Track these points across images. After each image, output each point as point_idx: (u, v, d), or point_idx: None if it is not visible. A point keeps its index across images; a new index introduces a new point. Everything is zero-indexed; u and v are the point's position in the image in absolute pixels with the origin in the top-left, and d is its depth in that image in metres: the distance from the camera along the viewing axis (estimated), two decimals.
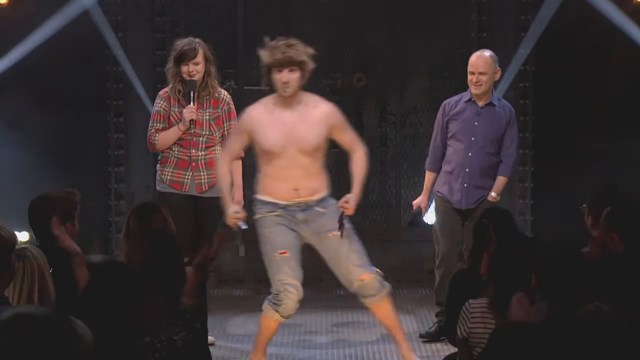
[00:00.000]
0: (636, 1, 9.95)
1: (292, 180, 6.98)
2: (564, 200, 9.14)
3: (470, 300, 5.04)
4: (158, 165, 7.87)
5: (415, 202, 8.18)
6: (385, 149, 10.60)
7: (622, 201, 5.98)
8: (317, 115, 7.02)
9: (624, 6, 9.69)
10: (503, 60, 10.17)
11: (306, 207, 7.05)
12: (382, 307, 7.18)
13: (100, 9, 9.88)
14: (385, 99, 10.65)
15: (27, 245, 5.03)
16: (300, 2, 10.63)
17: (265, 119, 6.99)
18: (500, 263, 4.96)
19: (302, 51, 6.95)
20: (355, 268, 7.04)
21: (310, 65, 6.97)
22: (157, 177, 7.86)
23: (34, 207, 5.81)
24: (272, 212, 7.03)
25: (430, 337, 8.01)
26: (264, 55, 6.96)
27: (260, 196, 7.12)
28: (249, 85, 10.58)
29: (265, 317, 7.10)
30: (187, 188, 7.71)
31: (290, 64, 6.88)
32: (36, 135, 10.01)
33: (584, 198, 6.73)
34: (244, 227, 7.09)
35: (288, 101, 6.99)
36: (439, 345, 7.89)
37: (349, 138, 7.18)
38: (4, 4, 10.03)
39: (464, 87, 8.35)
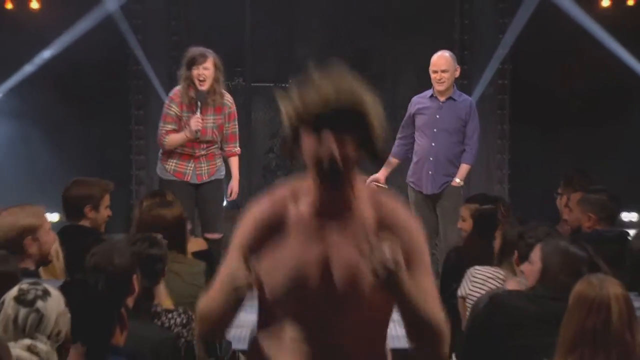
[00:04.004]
0: (602, 7, 9.99)
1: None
2: (537, 185, 9.16)
3: (476, 267, 5.08)
4: (161, 156, 7.79)
5: (370, 178, 8.05)
6: None
7: (589, 184, 6.11)
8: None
9: (590, 11, 9.74)
10: (483, 59, 10.26)
11: None
12: None
13: (122, 14, 9.91)
14: (378, 94, 10.64)
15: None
16: (302, 9, 10.63)
17: (280, 231, 2.95)
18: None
19: (364, 99, 2.91)
20: None
21: (380, 126, 2.90)
22: (160, 166, 7.78)
23: (66, 189, 5.78)
24: None
25: None
26: (288, 103, 2.88)
27: None
28: (256, 82, 10.61)
29: None
30: (189, 178, 7.65)
31: (339, 123, 2.85)
32: (65, 127, 10.07)
33: (555, 184, 6.78)
34: None
35: (333, 199, 2.93)
36: None
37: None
38: (36, 9, 10.04)
39: None
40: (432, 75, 7.96)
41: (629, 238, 5.35)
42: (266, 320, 3.00)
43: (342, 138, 2.85)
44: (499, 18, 10.36)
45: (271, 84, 10.61)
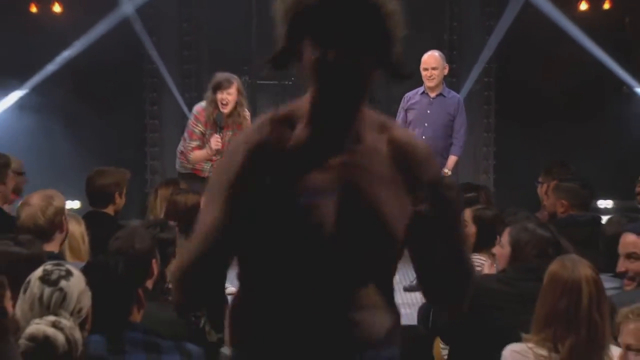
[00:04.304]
0: (580, 10, 10.03)
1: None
2: (520, 174, 9.19)
3: None
4: (179, 155, 7.81)
5: None
6: None
7: (568, 174, 6.14)
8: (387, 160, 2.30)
9: (569, 14, 9.77)
10: (470, 58, 10.27)
11: None
12: None
13: (137, 17, 9.93)
14: (374, 89, 10.66)
15: (69, 212, 5.07)
16: None
17: (276, 162, 2.26)
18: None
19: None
20: None
21: (398, 29, 2.27)
22: (179, 162, 7.83)
23: (90, 178, 5.81)
24: None
25: (412, 289, 8.06)
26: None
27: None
28: (261, 80, 10.63)
29: None
30: (206, 175, 7.72)
31: (344, 16, 2.15)
32: (84, 122, 10.09)
33: (537, 173, 6.80)
34: None
35: (338, 115, 2.26)
36: (418, 295, 7.94)
37: None
38: (58, 12, 10.07)
39: None
40: (423, 73, 7.98)
41: (602, 223, 5.38)
42: (253, 283, 2.30)
43: (349, 38, 2.14)
44: (486, 20, 10.39)
45: (275, 82, 10.63)
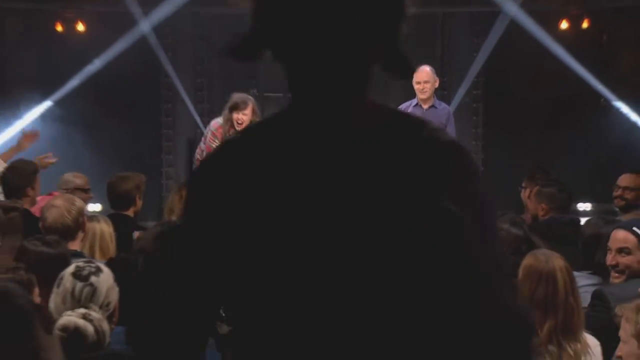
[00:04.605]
0: (561, 29, 10.08)
1: None
2: (507, 181, 9.22)
3: None
4: (196, 162, 7.85)
5: None
6: None
7: (548, 179, 6.19)
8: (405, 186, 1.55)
9: (551, 32, 9.80)
10: (459, 73, 10.30)
11: None
12: None
13: (154, 34, 9.96)
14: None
15: (96, 213, 5.12)
16: None
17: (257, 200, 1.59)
18: None
19: None
20: None
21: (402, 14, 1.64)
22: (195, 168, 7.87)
23: (113, 183, 5.84)
24: None
25: None
26: None
27: None
28: (267, 92, 10.66)
29: None
30: None
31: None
32: (104, 131, 10.12)
33: (521, 179, 6.85)
34: None
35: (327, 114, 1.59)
36: None
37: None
38: (82, 31, 10.13)
39: None
40: (416, 86, 8.03)
41: (580, 224, 5.42)
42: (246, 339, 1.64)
43: (341, 18, 1.50)
44: (474, 38, 10.42)
45: (281, 94, 10.68)
